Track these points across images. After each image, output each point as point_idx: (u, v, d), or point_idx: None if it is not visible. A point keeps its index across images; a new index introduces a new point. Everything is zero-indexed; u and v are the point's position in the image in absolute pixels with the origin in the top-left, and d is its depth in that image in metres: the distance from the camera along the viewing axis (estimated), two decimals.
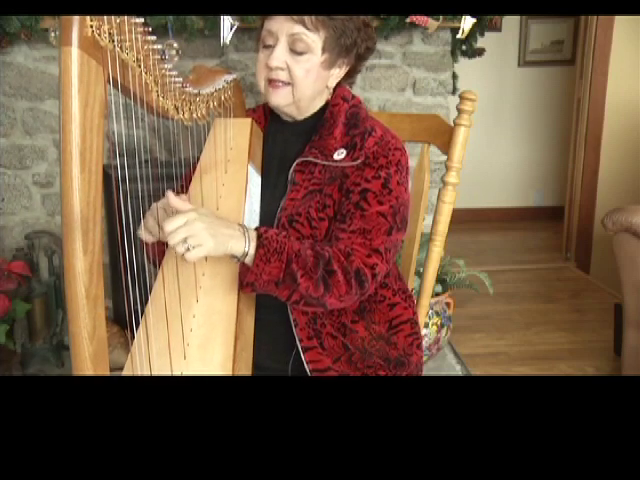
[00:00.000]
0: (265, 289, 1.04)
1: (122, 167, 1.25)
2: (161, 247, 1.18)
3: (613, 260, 2.24)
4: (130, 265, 0.88)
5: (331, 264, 1.06)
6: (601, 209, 3.46)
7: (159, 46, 0.89)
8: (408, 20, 2.30)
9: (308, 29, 1.12)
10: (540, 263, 3.79)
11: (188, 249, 0.94)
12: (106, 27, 0.76)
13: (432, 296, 1.51)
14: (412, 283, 1.50)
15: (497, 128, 4.55)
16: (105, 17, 0.75)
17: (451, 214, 1.38)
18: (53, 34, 2.11)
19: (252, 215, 1.18)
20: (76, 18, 0.72)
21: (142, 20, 0.82)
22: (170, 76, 0.97)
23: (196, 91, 1.08)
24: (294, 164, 1.19)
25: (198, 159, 1.25)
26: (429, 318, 2.38)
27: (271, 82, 1.17)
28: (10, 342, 2.24)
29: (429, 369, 2.41)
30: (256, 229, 1.04)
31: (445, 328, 2.46)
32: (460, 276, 2.50)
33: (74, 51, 0.72)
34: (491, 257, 3.88)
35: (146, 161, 1.40)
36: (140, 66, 0.87)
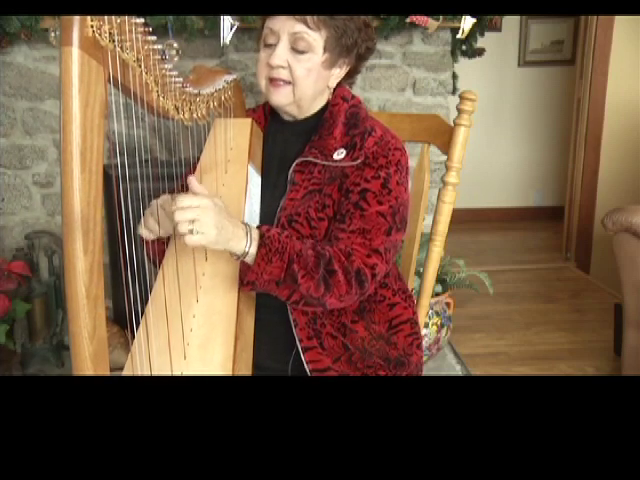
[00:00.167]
0: (265, 288, 1.04)
1: (122, 167, 1.25)
2: (161, 246, 1.18)
3: (613, 260, 2.24)
4: (130, 265, 0.88)
5: (332, 264, 1.06)
6: (601, 209, 3.46)
7: (159, 46, 0.89)
8: (408, 20, 2.30)
9: (310, 28, 1.13)
10: (540, 263, 3.79)
11: (191, 232, 0.93)
12: (106, 27, 0.76)
13: (432, 296, 1.51)
14: (412, 283, 1.50)
15: (497, 128, 4.56)
16: (105, 17, 0.75)
17: (451, 214, 1.38)
18: (53, 34, 2.11)
19: (252, 215, 1.18)
20: (77, 18, 0.72)
21: (142, 20, 0.82)
22: (170, 76, 0.97)
23: (196, 91, 1.08)
24: (294, 164, 1.19)
25: (198, 159, 1.25)
26: (429, 318, 2.38)
27: (272, 81, 1.17)
28: (10, 342, 2.24)
29: (429, 369, 2.41)
30: (259, 227, 1.04)
31: (445, 328, 2.46)
32: (460, 276, 2.50)
33: (75, 51, 0.72)
34: (491, 257, 3.88)
35: (146, 161, 1.40)
36: (140, 66, 0.87)
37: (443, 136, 1.35)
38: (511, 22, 4.33)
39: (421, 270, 1.44)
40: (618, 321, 2.44)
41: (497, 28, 4.14)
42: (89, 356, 0.75)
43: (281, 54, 1.14)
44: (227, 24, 2.08)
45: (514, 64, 4.52)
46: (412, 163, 1.27)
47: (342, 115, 1.21)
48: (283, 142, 1.27)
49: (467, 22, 2.28)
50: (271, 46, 1.16)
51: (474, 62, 2.75)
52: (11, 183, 2.47)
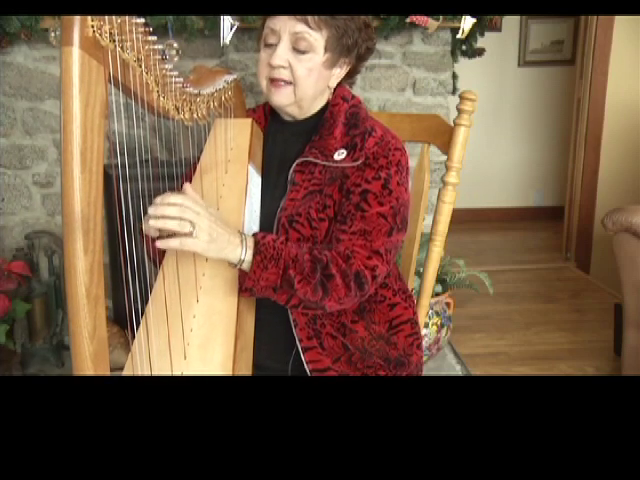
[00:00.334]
0: (263, 294, 1.05)
1: (122, 167, 1.25)
2: None
3: (613, 260, 2.24)
4: (130, 264, 0.88)
5: (329, 268, 1.07)
6: (601, 209, 3.46)
7: (160, 46, 0.89)
8: (408, 20, 2.30)
9: (311, 28, 1.13)
10: (540, 263, 3.79)
11: (191, 233, 0.93)
12: (107, 27, 0.76)
13: (432, 296, 1.52)
14: (412, 283, 1.50)
15: (497, 128, 4.56)
16: (106, 17, 0.75)
17: (451, 214, 1.38)
18: (53, 34, 2.11)
19: (252, 215, 1.18)
20: (77, 18, 0.72)
21: (143, 20, 0.82)
22: (171, 76, 0.97)
23: (196, 91, 1.08)
24: (294, 164, 1.19)
25: (198, 159, 1.25)
26: (429, 318, 2.38)
27: (273, 81, 1.17)
28: (10, 342, 2.24)
29: (429, 369, 2.41)
30: (254, 235, 1.05)
31: (445, 328, 2.46)
32: (460, 276, 2.50)
33: (75, 51, 0.72)
34: (491, 257, 3.88)
35: (146, 161, 1.40)
36: (141, 66, 0.87)
37: (443, 136, 1.35)
38: (511, 22, 4.32)
39: (421, 270, 1.44)
40: (618, 321, 2.44)
41: (497, 28, 4.13)
42: (89, 356, 0.75)
43: (282, 54, 1.14)
44: (227, 24, 2.08)
45: (514, 64, 4.52)
46: (412, 163, 1.27)
47: (342, 115, 1.21)
48: (283, 142, 1.27)
49: (467, 22, 2.28)
50: (272, 46, 1.16)
51: (474, 62, 2.75)
52: (11, 183, 2.47)
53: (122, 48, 0.80)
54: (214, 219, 0.97)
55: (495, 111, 4.52)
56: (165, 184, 1.16)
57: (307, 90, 1.18)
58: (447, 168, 1.34)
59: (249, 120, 1.30)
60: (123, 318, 2.38)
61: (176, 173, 1.26)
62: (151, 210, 0.92)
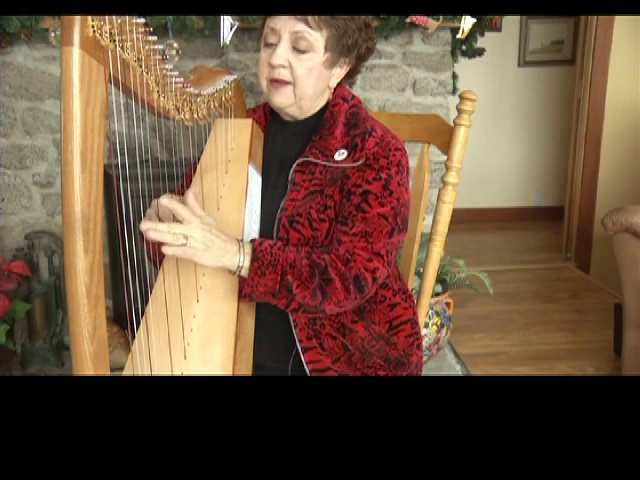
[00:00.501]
0: (263, 299, 1.07)
1: (122, 166, 1.25)
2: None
3: (613, 260, 2.24)
4: (130, 264, 0.89)
5: (328, 272, 1.07)
6: (601, 209, 3.46)
7: (160, 46, 0.89)
8: (408, 20, 2.30)
9: (311, 27, 1.13)
10: (540, 263, 3.79)
11: (185, 245, 0.95)
12: (107, 27, 0.76)
13: (432, 296, 1.51)
14: (412, 283, 1.50)
15: (497, 128, 4.56)
16: (106, 17, 0.75)
17: (451, 214, 1.38)
18: (53, 34, 2.11)
19: (252, 215, 1.18)
20: (77, 18, 0.72)
21: (143, 20, 0.82)
22: (171, 76, 0.97)
23: (197, 91, 1.08)
24: (294, 164, 1.19)
25: (198, 159, 1.25)
26: (429, 318, 2.38)
27: (273, 82, 1.17)
28: (10, 342, 2.24)
29: (429, 369, 2.41)
30: (252, 241, 1.05)
31: (445, 328, 2.46)
32: (460, 276, 2.50)
33: (75, 51, 0.72)
34: (491, 257, 3.88)
35: (146, 161, 1.40)
36: (141, 66, 0.87)
37: (443, 136, 1.35)
38: (511, 22, 4.32)
39: (421, 270, 1.44)
40: (618, 321, 2.44)
41: (497, 28, 4.13)
42: (89, 356, 0.76)
43: (282, 53, 1.14)
44: (227, 24, 2.08)
45: (514, 64, 4.52)
46: (412, 163, 1.27)
47: (342, 115, 1.21)
48: (283, 142, 1.27)
49: (467, 22, 2.28)
50: (272, 45, 1.16)
51: (474, 62, 2.75)
52: (11, 183, 2.47)
53: (122, 48, 0.80)
54: (208, 228, 0.98)
55: (495, 111, 4.52)
56: (165, 184, 1.16)
57: (307, 90, 1.18)
58: (447, 168, 1.34)
59: (249, 120, 1.30)
60: (123, 318, 2.38)
61: (176, 173, 1.26)
62: (143, 225, 0.92)
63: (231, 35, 2.12)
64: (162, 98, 0.97)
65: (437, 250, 1.39)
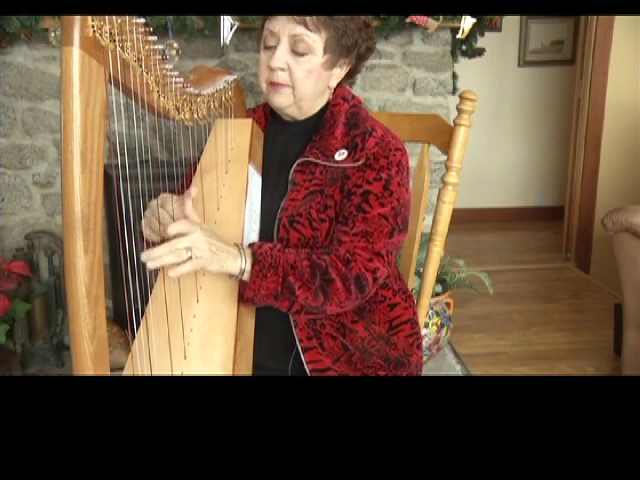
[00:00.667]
0: (265, 302, 1.06)
1: (122, 167, 1.25)
2: None
3: (613, 260, 2.25)
4: (130, 264, 0.89)
5: (329, 273, 1.07)
6: (601, 209, 3.46)
7: (160, 46, 0.89)
8: (408, 20, 2.30)
9: (310, 30, 1.12)
10: (540, 263, 3.79)
11: (190, 257, 0.94)
12: (107, 27, 0.76)
13: (432, 296, 1.51)
14: (412, 283, 1.50)
15: (497, 128, 4.56)
16: (106, 17, 0.75)
17: (451, 214, 1.38)
18: (53, 34, 2.11)
19: (252, 215, 1.18)
20: (77, 18, 0.72)
21: (143, 20, 0.82)
22: (171, 76, 0.97)
23: (197, 91, 1.08)
24: (295, 164, 1.19)
25: (198, 159, 1.25)
26: (429, 318, 2.38)
27: (272, 84, 1.17)
28: (10, 342, 2.24)
29: (429, 369, 2.41)
30: (250, 245, 1.05)
31: (445, 328, 2.46)
32: (460, 276, 2.50)
33: (75, 51, 0.72)
34: (491, 257, 3.88)
35: (146, 161, 1.40)
36: (141, 66, 0.87)
37: (443, 136, 1.35)
38: (511, 22, 4.32)
39: (421, 270, 1.44)
40: (618, 321, 2.44)
41: (497, 28, 4.13)
42: (89, 356, 0.76)
43: (281, 56, 1.14)
44: (227, 24, 2.08)
45: (514, 64, 4.52)
46: (412, 163, 1.27)
47: (343, 115, 1.21)
48: (283, 143, 1.27)
49: (467, 22, 2.28)
50: (271, 48, 1.16)
51: (474, 62, 2.75)
52: (11, 183, 2.47)
53: (122, 48, 0.80)
54: (209, 233, 0.98)
55: (495, 111, 4.52)
56: (165, 184, 1.16)
57: (306, 91, 1.18)
58: (447, 168, 1.34)
59: (249, 120, 1.30)
60: (123, 318, 2.38)
61: (176, 173, 1.26)
62: (143, 257, 0.92)
63: (231, 35, 2.12)
64: (162, 98, 0.97)
65: (437, 250, 1.39)
